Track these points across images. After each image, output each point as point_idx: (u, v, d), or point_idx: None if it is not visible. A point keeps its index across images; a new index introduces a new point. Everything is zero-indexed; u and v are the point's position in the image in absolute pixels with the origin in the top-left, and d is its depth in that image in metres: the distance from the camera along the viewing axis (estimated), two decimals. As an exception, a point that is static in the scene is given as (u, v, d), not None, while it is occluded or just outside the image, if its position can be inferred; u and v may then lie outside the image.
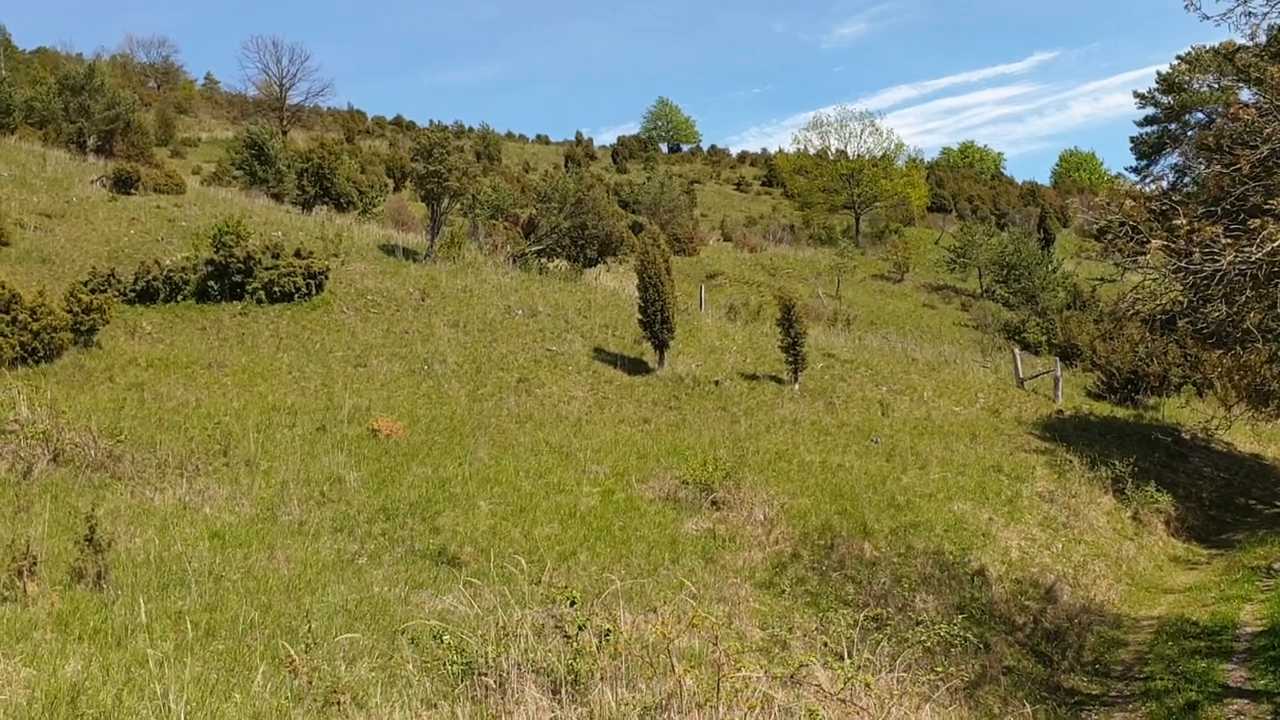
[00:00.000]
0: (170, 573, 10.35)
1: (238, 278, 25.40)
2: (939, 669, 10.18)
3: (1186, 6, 11.98)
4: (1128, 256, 14.01)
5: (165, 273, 24.80)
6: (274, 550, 11.85)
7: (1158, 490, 23.03)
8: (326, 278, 27.09)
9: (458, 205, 37.26)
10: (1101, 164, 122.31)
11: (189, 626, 8.55)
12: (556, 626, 8.62)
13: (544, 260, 37.94)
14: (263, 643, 8.65)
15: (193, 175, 49.14)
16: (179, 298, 24.85)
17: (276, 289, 25.71)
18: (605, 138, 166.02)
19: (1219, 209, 13.70)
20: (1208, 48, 43.66)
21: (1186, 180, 38.98)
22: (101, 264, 25.09)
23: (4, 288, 19.35)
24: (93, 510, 10.23)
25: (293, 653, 7.38)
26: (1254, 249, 11.31)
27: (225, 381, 20.18)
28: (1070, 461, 23.38)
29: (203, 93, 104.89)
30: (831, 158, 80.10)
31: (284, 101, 75.17)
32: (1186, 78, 45.93)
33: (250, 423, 17.20)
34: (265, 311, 25.18)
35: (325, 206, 40.81)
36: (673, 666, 7.64)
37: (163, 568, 10.49)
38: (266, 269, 25.73)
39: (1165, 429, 30.12)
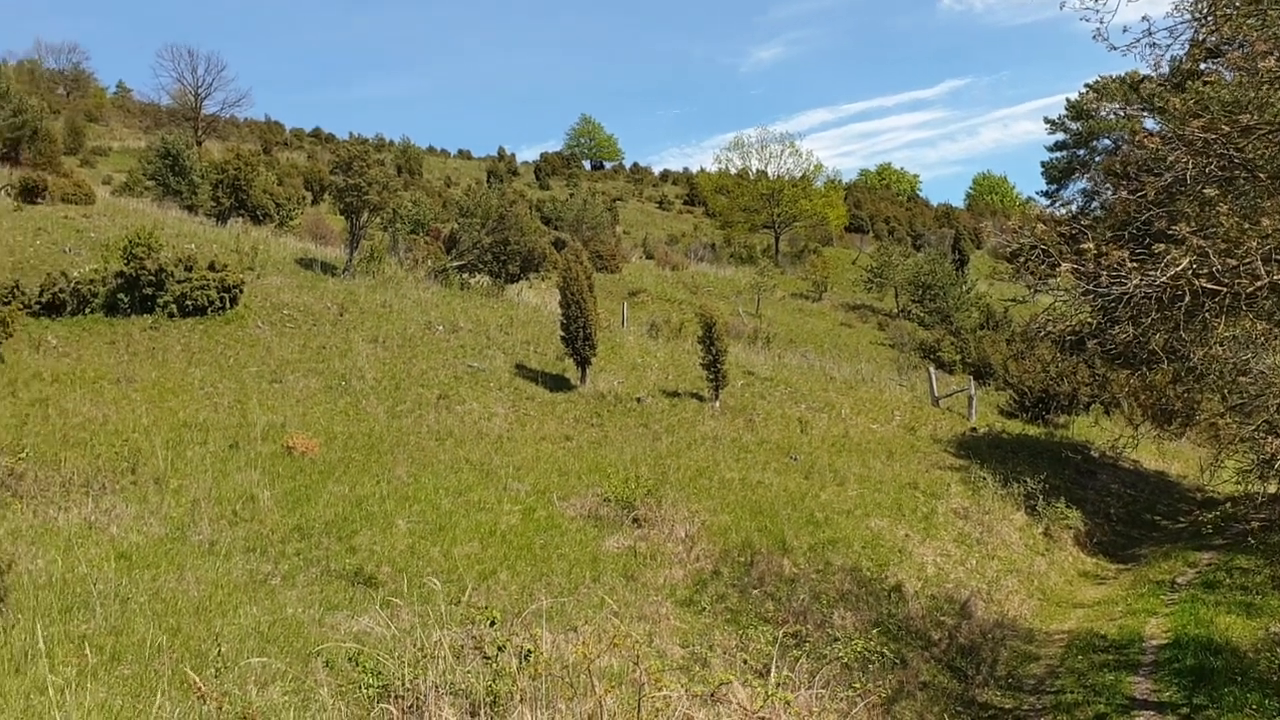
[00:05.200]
0: (74, 595, 10.01)
1: (149, 291, 24.78)
2: (857, 685, 10.26)
3: (1094, 36, 12.30)
4: (1038, 279, 14.31)
5: (73, 285, 24.09)
6: (183, 571, 11.53)
7: (1068, 507, 23.55)
8: (241, 291, 26.56)
9: (377, 219, 36.81)
10: (1013, 188, 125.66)
11: (92, 651, 8.26)
12: (475, 647, 8.49)
13: (465, 276, 37.63)
14: (170, 667, 8.40)
15: (103, 185, 47.95)
16: (87, 311, 24.16)
17: (189, 303, 25.12)
18: (528, 154, 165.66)
19: (1125, 233, 14.11)
20: (1114, 77, 45.03)
21: (1095, 204, 40.11)
22: (5, 276, 24.28)
23: (-100, 299, 18.63)
24: (-8, 531, 9.87)
25: (197, 680, 7.17)
26: (1158, 273, 11.65)
27: (134, 397, 19.63)
28: (984, 478, 23.81)
29: (114, 101, 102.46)
30: (752, 178, 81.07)
31: (199, 111, 73.75)
32: (1094, 105, 47.30)
33: (160, 440, 16.75)
34: (177, 325, 24.58)
35: (241, 219, 40.08)
36: (593, 687, 7.57)
37: (66, 590, 10.14)
38: (179, 282, 25.15)
39: (1075, 447, 30.86)
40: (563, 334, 26.39)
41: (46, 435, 16.28)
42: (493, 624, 8.56)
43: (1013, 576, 19.82)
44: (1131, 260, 11.97)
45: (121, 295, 24.64)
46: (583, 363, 26.39)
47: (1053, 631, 17.40)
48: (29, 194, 33.78)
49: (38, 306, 23.37)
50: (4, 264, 26.18)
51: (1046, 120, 54.88)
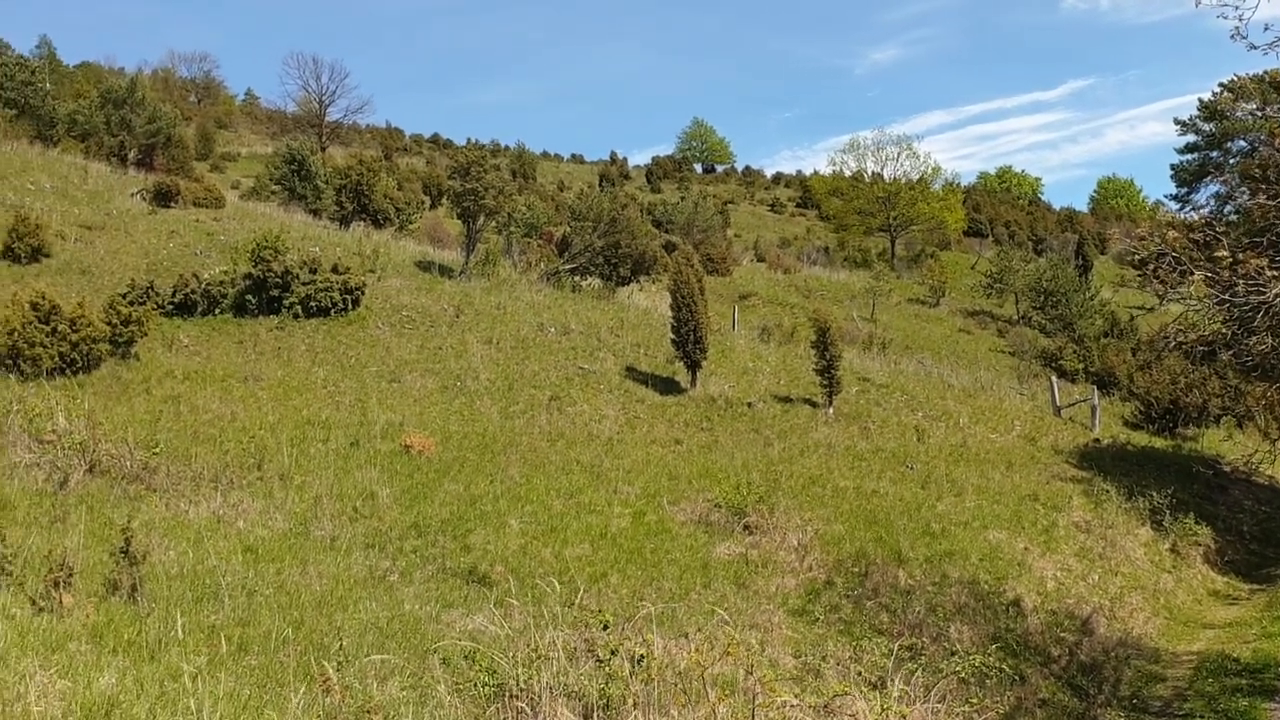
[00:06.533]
0: (204, 586, 10.36)
1: (275, 292, 25.59)
2: (974, 701, 10.03)
3: (1233, 36, 11.81)
4: (1168, 287, 13.81)
5: (203, 286, 25.02)
6: (306, 565, 11.85)
7: (1197, 522, 22.65)
8: (363, 293, 27.24)
9: (493, 223, 37.40)
10: (1140, 191, 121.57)
11: (222, 641, 8.54)
12: (589, 650, 8.54)
13: (577, 278, 37.99)
14: (295, 659, 8.62)
15: (231, 190, 49.69)
16: (216, 311, 25.06)
17: (313, 304, 25.86)
18: (639, 158, 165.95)
19: (1264, 240, 13.50)
20: (1251, 75, 43.21)
21: (1229, 209, 38.49)
22: (140, 276, 25.34)
23: (44, 299, 19.56)
24: (128, 522, 10.25)
25: (329, 670, 7.36)
26: (1302, 281, 11.14)
27: (260, 395, 20.29)
28: (1107, 491, 23.05)
29: (243, 108, 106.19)
30: (868, 180, 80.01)
31: (323, 118, 75.91)
32: (1229, 105, 45.46)
33: (284, 437, 17.26)
34: (301, 326, 25.33)
35: (362, 223, 41.12)
36: (706, 694, 7.55)
37: (196, 581, 10.51)
38: (304, 284, 25.90)
39: (1205, 460, 29.67)
40: (673, 337, 26.40)
41: (178, 431, 16.92)
42: (605, 627, 8.60)
43: (1137, 593, 19.14)
44: (1271, 268, 11.46)
45: (249, 296, 25.49)
46: (693, 366, 26.36)
47: (1180, 652, 16.74)
48: (162, 198, 35.21)
49: (170, 306, 24.33)
50: (139, 265, 27.33)
51: (1177, 121, 52.97)
